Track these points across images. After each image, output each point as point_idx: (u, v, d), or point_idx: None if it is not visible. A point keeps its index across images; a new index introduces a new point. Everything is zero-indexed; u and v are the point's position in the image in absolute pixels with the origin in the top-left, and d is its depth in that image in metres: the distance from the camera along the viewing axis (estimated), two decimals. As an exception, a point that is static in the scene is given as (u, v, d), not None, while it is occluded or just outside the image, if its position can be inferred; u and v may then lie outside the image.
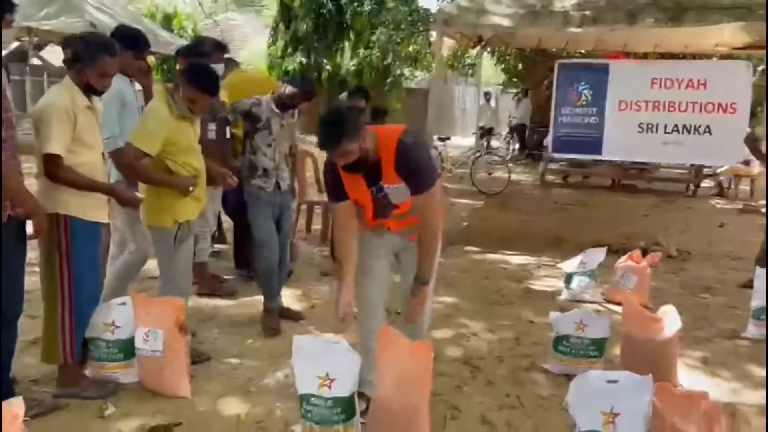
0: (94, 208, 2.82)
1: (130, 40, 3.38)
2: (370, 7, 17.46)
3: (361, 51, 17.73)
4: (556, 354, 3.31)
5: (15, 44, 11.74)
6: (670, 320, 3.20)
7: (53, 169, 2.65)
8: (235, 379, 3.16)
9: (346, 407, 2.42)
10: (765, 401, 3.11)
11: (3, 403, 1.88)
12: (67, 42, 2.86)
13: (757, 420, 2.92)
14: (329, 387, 2.40)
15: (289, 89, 3.71)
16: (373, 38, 16.67)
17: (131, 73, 3.44)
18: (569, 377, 2.90)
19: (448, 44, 7.23)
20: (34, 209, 2.50)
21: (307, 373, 2.45)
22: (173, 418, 2.72)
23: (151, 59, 11.13)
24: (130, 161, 3.05)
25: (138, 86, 3.62)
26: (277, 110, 3.71)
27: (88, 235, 2.79)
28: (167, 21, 19.45)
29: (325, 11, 17.88)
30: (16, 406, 1.87)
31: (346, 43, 18.41)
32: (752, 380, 3.40)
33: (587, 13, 5.53)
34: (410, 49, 16.18)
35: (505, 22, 5.75)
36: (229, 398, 2.96)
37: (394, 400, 2.47)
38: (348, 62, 18.26)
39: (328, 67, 17.98)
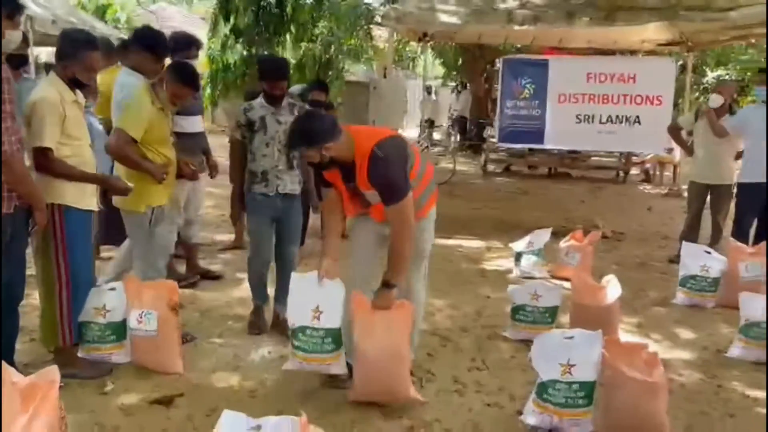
0: (86, 197, 2.97)
1: (149, 43, 3.50)
2: (311, 0, 17.55)
3: (303, 44, 17.81)
4: (515, 322, 3.69)
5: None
6: (612, 288, 3.64)
7: (44, 162, 2.78)
8: (223, 356, 3.37)
9: (335, 338, 2.82)
10: (692, 357, 3.59)
11: (40, 372, 2.06)
12: None
13: (686, 373, 3.38)
14: (318, 319, 2.78)
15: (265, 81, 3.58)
16: (315, 31, 16.79)
17: (146, 72, 3.49)
18: (526, 342, 3.28)
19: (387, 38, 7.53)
20: (38, 202, 2.64)
21: (301, 307, 2.80)
22: (171, 391, 2.92)
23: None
24: (121, 145, 3.19)
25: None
26: (268, 106, 3.57)
27: (81, 223, 2.94)
28: (100, 11, 18.93)
29: (265, 4, 17.84)
30: (52, 373, 2.05)
31: (288, 36, 18.44)
32: (680, 340, 3.88)
33: (529, 12, 5.96)
34: (352, 42, 16.41)
35: (453, 20, 6.11)
36: (220, 373, 3.17)
37: (377, 348, 2.75)
38: (290, 55, 18.28)
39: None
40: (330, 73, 18.50)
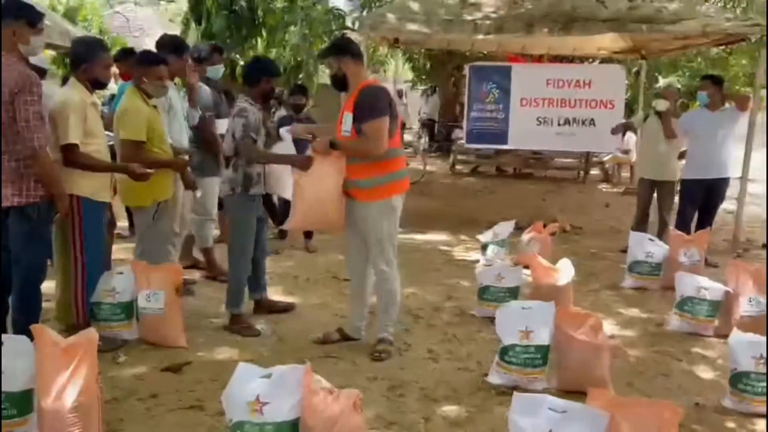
0: (101, 190, 3.32)
1: (173, 47, 3.99)
2: (282, 5, 17.87)
3: (275, 48, 18.11)
4: (481, 301, 4.14)
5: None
6: (566, 270, 4.12)
7: (72, 156, 3.13)
8: (221, 333, 3.75)
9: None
10: (635, 330, 4.09)
11: (81, 332, 2.41)
12: None
13: (629, 342, 3.87)
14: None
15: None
16: (286, 36, 17.12)
17: (177, 74, 3.91)
18: (491, 319, 3.71)
19: (361, 43, 7.97)
20: (61, 193, 2.98)
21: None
22: (179, 360, 3.28)
23: (48, 52, 10.92)
24: (134, 154, 3.52)
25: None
26: (258, 106, 3.73)
27: (96, 213, 3.30)
28: (70, 13, 18.91)
29: (237, 8, 18.10)
30: (91, 333, 2.41)
31: (259, 40, 18.71)
32: (626, 316, 4.37)
33: (492, 23, 6.44)
34: (323, 46, 16.80)
35: (424, 29, 6.55)
36: (220, 346, 3.55)
37: (314, 188, 3.32)
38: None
39: (241, 63, 18.18)
40: (300, 76, 18.92)
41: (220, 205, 4.45)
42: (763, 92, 6.81)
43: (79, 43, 3.35)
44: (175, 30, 19.40)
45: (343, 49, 3.41)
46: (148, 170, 3.42)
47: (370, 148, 3.27)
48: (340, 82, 3.42)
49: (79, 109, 3.13)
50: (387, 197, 3.39)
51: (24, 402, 2.38)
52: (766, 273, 3.82)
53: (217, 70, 4.62)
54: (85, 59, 3.23)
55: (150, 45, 18.00)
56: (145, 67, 3.62)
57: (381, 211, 3.38)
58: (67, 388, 2.30)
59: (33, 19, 2.93)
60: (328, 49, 3.51)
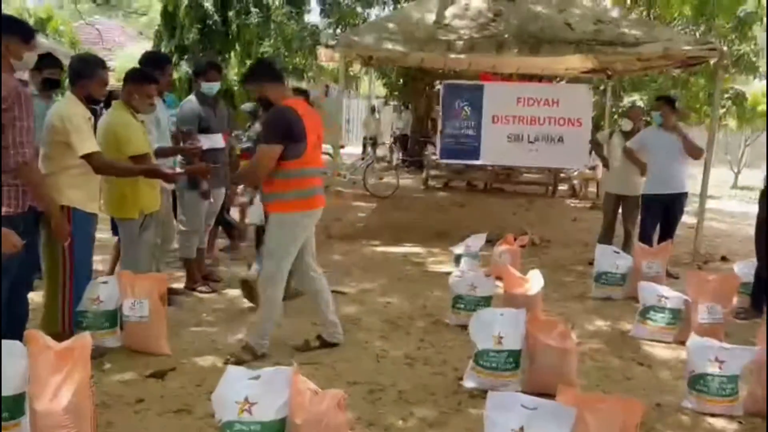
0: (91, 202, 3.40)
1: (157, 63, 4.20)
2: (257, 20, 17.99)
3: (249, 62, 18.19)
4: (455, 310, 4.31)
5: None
6: (536, 280, 4.31)
7: (97, 164, 3.24)
8: (201, 340, 3.84)
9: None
10: (601, 337, 4.29)
11: (75, 337, 2.49)
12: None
13: (596, 348, 4.07)
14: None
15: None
16: (261, 50, 17.23)
17: (162, 89, 4.06)
18: (465, 327, 3.87)
19: (332, 57, 8.18)
20: (51, 208, 3.05)
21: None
22: (163, 367, 3.36)
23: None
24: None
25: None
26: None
27: (86, 224, 3.37)
28: (39, 24, 18.73)
29: (210, 21, 18.16)
30: (85, 338, 2.49)
31: (233, 54, 18.78)
32: (593, 326, 4.57)
33: (464, 43, 6.68)
34: (297, 61, 16.96)
35: (399, 48, 6.76)
36: (202, 354, 3.63)
37: None
38: (234, 73, 18.61)
39: (221, 74, 18.19)
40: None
41: None
42: (718, 112, 7.15)
43: (79, 60, 3.48)
44: (146, 43, 19.43)
45: (261, 73, 3.52)
46: (178, 170, 3.56)
47: (253, 170, 3.55)
48: (265, 105, 3.56)
49: (85, 120, 3.24)
50: (289, 211, 3.47)
51: (17, 405, 2.44)
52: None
53: (212, 87, 4.71)
54: (84, 76, 3.34)
55: (121, 58, 17.83)
56: (137, 84, 3.73)
57: (279, 223, 3.50)
58: (61, 390, 2.39)
59: (26, 35, 3.01)
60: (247, 76, 3.63)
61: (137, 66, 4.09)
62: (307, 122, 3.42)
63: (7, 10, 16.54)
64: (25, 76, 3.93)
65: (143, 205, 3.79)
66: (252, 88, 3.58)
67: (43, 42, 13.36)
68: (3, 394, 2.39)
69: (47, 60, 4.43)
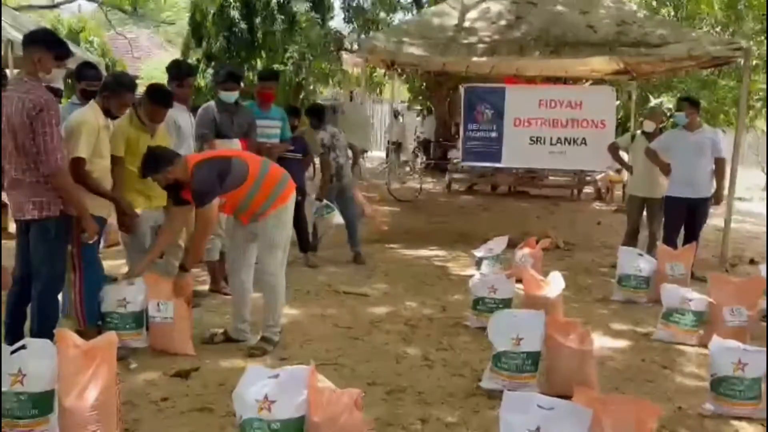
0: (101, 206, 3.50)
1: (177, 74, 4.35)
2: (282, 27, 18.21)
3: (275, 67, 18.41)
4: (475, 312, 4.32)
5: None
6: (556, 283, 4.30)
7: (75, 169, 3.30)
8: (226, 342, 3.90)
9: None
10: (623, 340, 4.26)
11: (101, 336, 2.58)
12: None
13: (618, 351, 4.04)
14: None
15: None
16: (286, 56, 17.43)
17: (181, 98, 4.21)
18: (485, 329, 3.88)
19: (357, 63, 8.26)
20: (84, 215, 3.17)
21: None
22: (187, 367, 3.44)
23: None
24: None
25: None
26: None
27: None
28: (72, 35, 19.24)
29: (237, 30, 18.45)
30: (111, 336, 2.58)
31: (258, 61, 19.04)
32: (616, 329, 4.53)
33: (486, 46, 6.70)
34: (322, 66, 17.13)
35: (420, 52, 6.81)
36: (226, 354, 3.70)
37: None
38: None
39: (241, 84, 18.46)
40: (301, 96, 19.23)
41: None
42: (745, 113, 7.04)
43: (113, 76, 3.70)
44: (175, 51, 19.83)
45: (156, 164, 3.42)
46: (136, 211, 3.68)
47: (206, 230, 3.61)
48: (179, 185, 3.52)
49: (93, 130, 3.34)
50: (279, 206, 3.71)
51: (46, 402, 2.53)
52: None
53: (229, 96, 4.81)
54: (109, 89, 3.47)
55: (149, 66, 18.20)
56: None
57: (277, 219, 3.72)
58: (88, 388, 2.47)
59: (61, 53, 3.14)
60: (146, 171, 3.47)
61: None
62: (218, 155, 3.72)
63: (41, 23, 17.07)
64: (59, 84, 4.07)
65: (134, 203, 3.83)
66: (160, 179, 3.48)
67: (76, 52, 13.75)
68: (33, 390, 2.49)
69: (88, 71, 4.44)
